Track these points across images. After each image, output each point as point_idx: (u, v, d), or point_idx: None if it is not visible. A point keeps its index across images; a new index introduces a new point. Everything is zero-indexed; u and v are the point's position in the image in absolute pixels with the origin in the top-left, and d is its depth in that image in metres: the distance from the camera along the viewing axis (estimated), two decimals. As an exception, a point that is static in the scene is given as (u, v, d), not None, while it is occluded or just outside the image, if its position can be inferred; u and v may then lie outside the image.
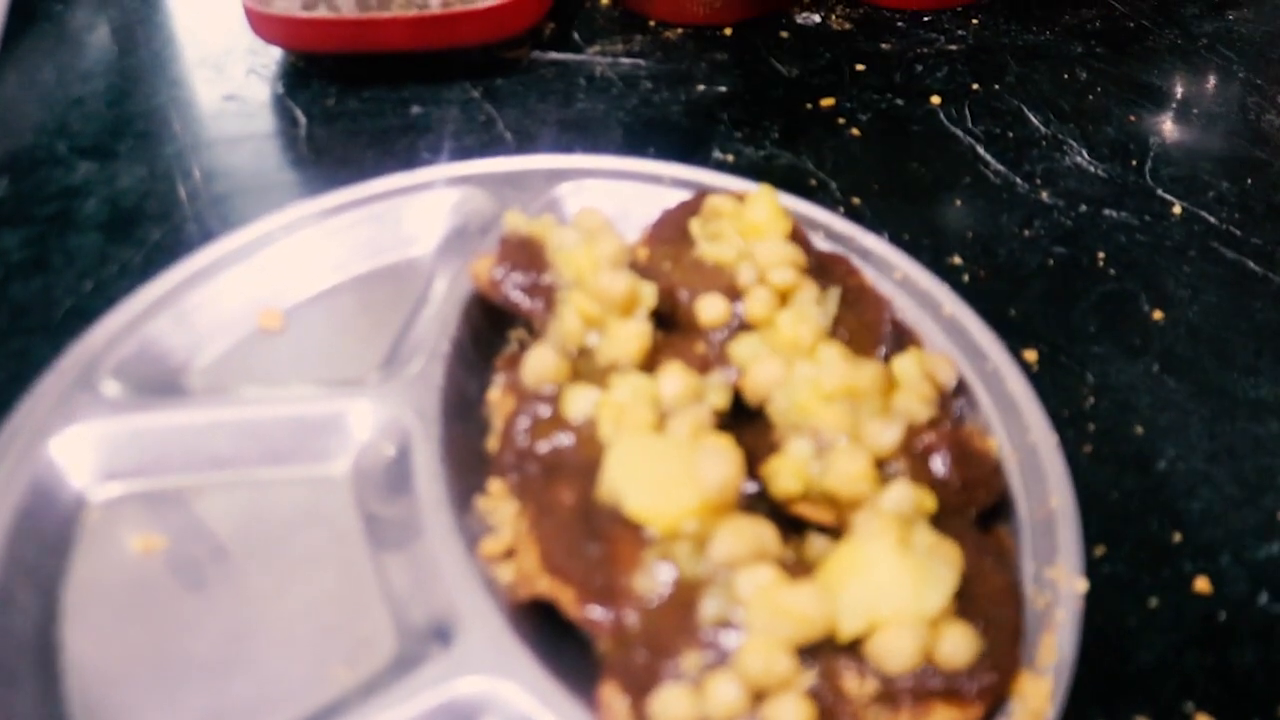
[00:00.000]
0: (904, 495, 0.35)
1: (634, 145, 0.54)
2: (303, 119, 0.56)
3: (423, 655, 0.35)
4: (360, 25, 0.55)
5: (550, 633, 0.35)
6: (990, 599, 0.34)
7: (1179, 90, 0.59)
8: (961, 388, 0.42)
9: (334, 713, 0.34)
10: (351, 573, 0.38)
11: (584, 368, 0.40)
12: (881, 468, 0.36)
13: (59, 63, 0.60)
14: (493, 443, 0.40)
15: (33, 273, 0.48)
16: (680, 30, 0.63)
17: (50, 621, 0.37)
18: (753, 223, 0.43)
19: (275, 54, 0.60)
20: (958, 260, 0.48)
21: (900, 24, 0.64)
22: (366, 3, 0.55)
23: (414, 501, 0.38)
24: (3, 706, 0.33)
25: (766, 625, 0.31)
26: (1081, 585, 0.35)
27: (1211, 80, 0.60)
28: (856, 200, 0.51)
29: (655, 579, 0.33)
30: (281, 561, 0.38)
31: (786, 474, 0.36)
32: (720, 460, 0.35)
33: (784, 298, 0.41)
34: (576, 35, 0.62)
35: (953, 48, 0.62)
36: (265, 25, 0.56)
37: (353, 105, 0.56)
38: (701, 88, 0.58)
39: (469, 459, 0.40)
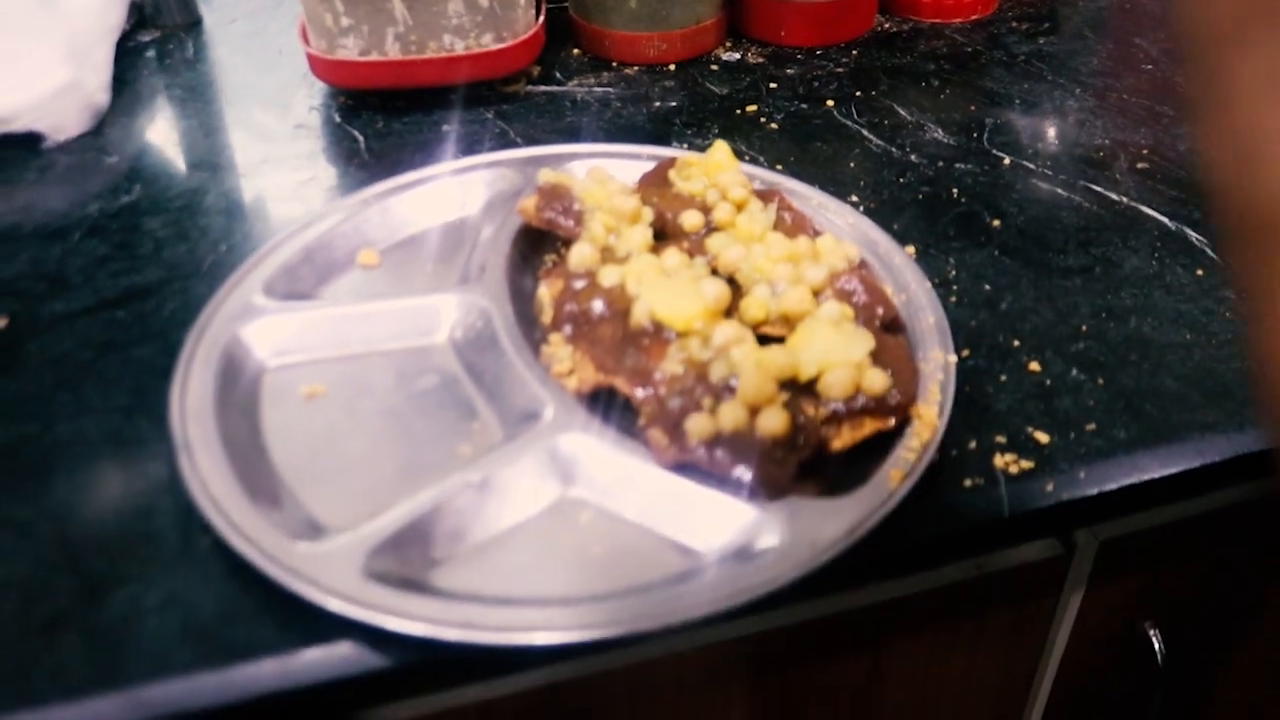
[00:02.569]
0: (833, 307, 0.53)
1: (614, 142, 0.72)
2: (360, 137, 0.74)
3: (522, 431, 0.52)
4: (403, 65, 0.73)
5: (603, 413, 0.52)
6: (894, 359, 0.52)
7: (1005, 89, 0.80)
8: (864, 263, 0.60)
9: (466, 468, 0.50)
10: (460, 395, 0.55)
11: (609, 258, 0.58)
12: (816, 296, 0.55)
13: (153, 111, 0.78)
14: (546, 317, 0.57)
15: (177, 243, 0.65)
16: (636, 68, 0.83)
17: (257, 437, 0.53)
18: (714, 162, 0.62)
19: (328, 94, 0.79)
20: (855, 199, 0.68)
21: (799, 56, 0.85)
22: (408, 48, 0.74)
23: (498, 350, 0.55)
24: (253, 475, 0.50)
25: (754, 370, 0.49)
26: (953, 359, 0.54)
27: (1028, 82, 0.81)
28: (779, 167, 0.71)
29: (678, 361, 0.51)
30: (409, 394, 0.55)
31: (755, 307, 0.54)
32: (714, 284, 0.53)
33: (739, 208, 0.60)
34: (558, 74, 0.82)
35: (839, 70, 0.83)
36: (328, 69, 0.74)
37: (397, 127, 0.75)
38: (658, 104, 0.78)
39: (529, 330, 0.57)
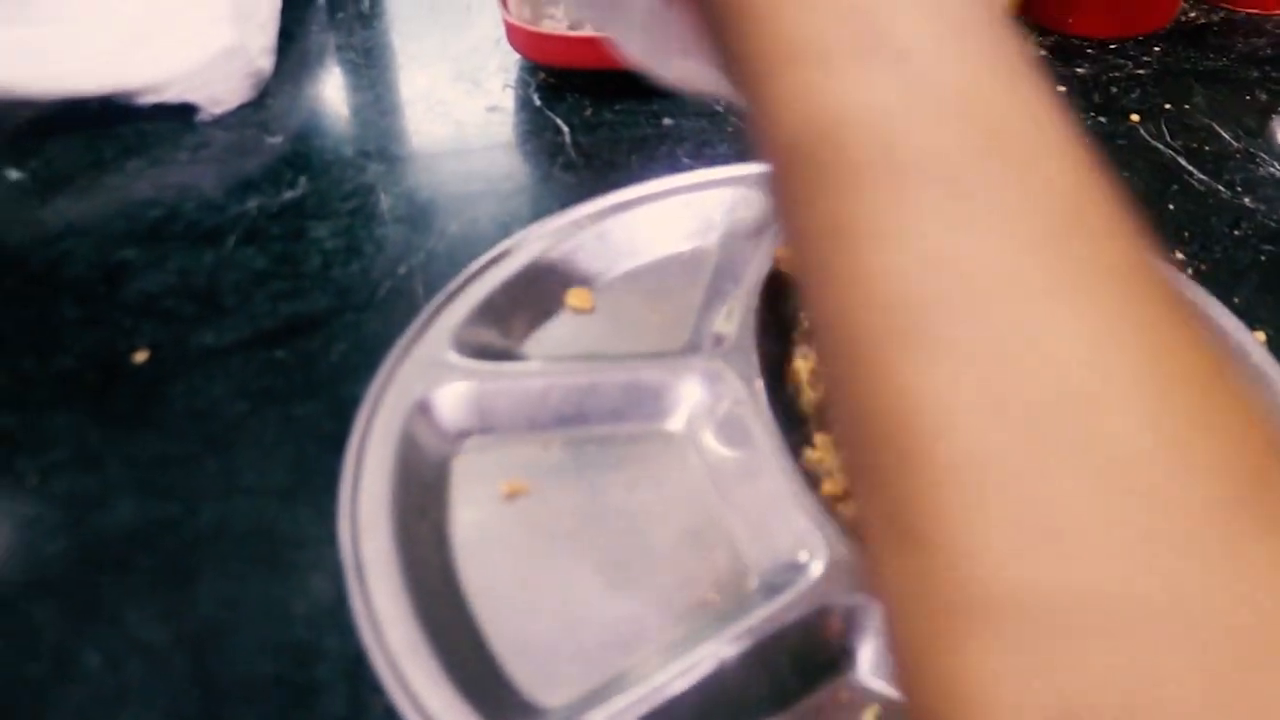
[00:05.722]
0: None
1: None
2: (565, 128, 0.62)
3: (785, 581, 0.40)
4: (622, 44, 0.61)
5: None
6: None
7: (1353, 110, 0.65)
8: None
9: (713, 628, 0.39)
10: (704, 511, 0.43)
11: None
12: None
13: (321, 78, 0.67)
14: (806, 399, 0.45)
15: (348, 258, 0.54)
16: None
17: (446, 555, 0.42)
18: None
19: (525, 68, 0.66)
20: (1180, 255, 0.54)
21: (1090, 50, 0.70)
22: (628, 24, 0.61)
23: (752, 451, 0.44)
24: (440, 617, 0.39)
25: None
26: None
27: (1381, 100, 0.66)
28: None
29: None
30: (639, 504, 0.44)
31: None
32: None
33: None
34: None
35: (1140, 71, 0.68)
36: (531, 43, 0.62)
37: (608, 116, 0.62)
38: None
39: (788, 416, 0.45)
